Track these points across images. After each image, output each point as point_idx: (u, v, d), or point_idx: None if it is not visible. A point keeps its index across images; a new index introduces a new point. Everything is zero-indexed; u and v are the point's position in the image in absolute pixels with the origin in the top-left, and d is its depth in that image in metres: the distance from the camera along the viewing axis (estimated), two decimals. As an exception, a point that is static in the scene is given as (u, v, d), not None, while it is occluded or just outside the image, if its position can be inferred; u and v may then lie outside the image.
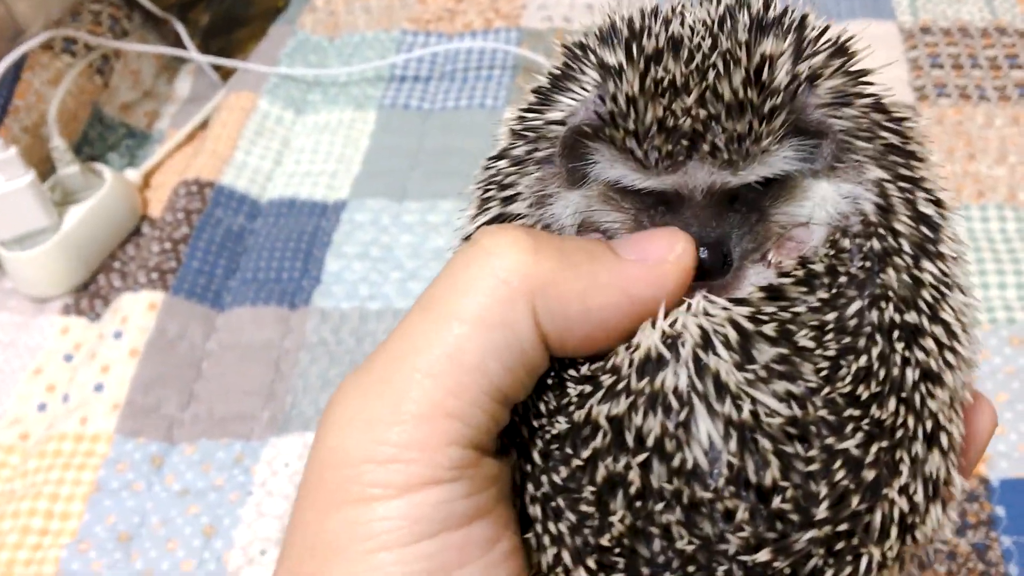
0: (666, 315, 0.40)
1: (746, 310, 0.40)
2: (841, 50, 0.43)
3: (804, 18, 0.43)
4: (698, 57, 0.40)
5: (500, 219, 0.45)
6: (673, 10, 0.42)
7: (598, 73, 0.42)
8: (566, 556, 0.40)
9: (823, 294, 0.40)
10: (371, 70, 1.35)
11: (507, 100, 1.30)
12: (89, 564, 0.91)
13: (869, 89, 0.43)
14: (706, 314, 0.40)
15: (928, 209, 0.43)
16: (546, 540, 0.41)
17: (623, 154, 0.42)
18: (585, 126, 0.42)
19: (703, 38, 0.40)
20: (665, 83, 0.39)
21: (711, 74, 0.39)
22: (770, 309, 0.40)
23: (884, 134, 0.43)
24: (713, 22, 0.41)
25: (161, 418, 1.01)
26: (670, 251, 0.40)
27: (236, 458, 0.97)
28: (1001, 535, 0.85)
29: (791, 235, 0.43)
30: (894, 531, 0.39)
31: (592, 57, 0.43)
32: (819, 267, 0.41)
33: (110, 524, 0.94)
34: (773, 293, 0.41)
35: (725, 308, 0.40)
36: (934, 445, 0.40)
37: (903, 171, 0.43)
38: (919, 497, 0.40)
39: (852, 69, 0.43)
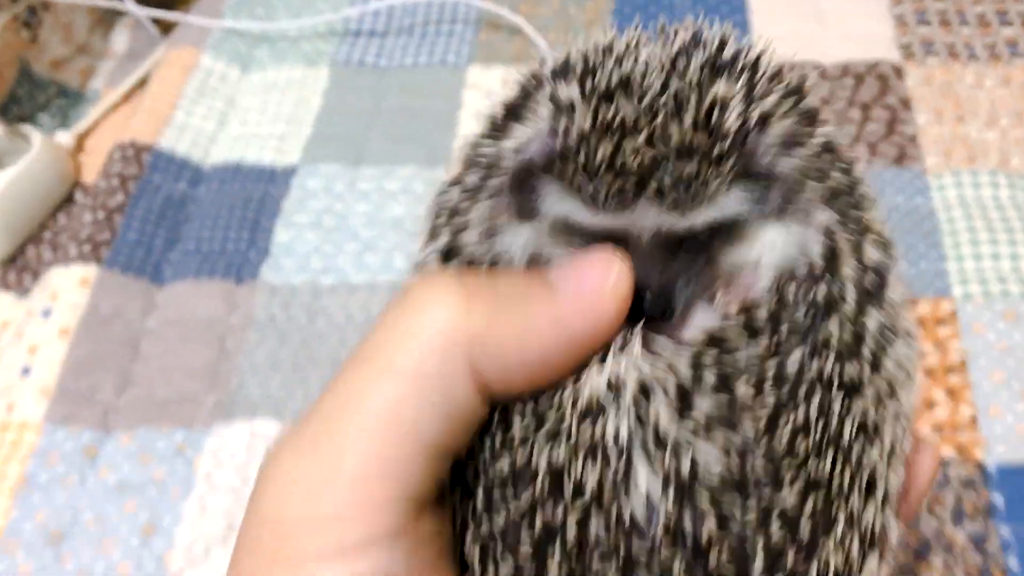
0: (610, 354, 0.40)
1: (687, 356, 0.40)
2: (794, 91, 0.43)
3: (758, 58, 0.43)
4: (648, 97, 0.39)
5: (450, 248, 0.45)
6: (627, 47, 0.42)
7: (552, 107, 0.41)
8: None
9: (765, 342, 0.40)
10: (323, 24, 1.26)
11: (470, 57, 1.22)
12: (16, 567, 0.83)
13: (820, 130, 0.43)
14: (648, 356, 0.40)
15: (875, 254, 0.43)
16: None
17: (573, 190, 0.41)
18: (536, 161, 0.42)
19: (655, 78, 0.40)
20: (616, 122, 0.39)
21: (661, 115, 0.39)
22: (711, 356, 0.40)
23: (834, 176, 0.43)
24: (667, 61, 0.41)
25: (95, 404, 0.93)
26: (605, 279, 0.40)
27: (178, 448, 0.89)
28: (999, 525, 0.80)
29: (739, 277, 0.43)
30: None
31: (546, 89, 0.42)
32: (763, 315, 0.41)
33: (39, 522, 0.86)
34: (715, 339, 0.40)
35: (663, 352, 0.40)
36: (870, 498, 0.41)
37: (852, 214, 0.43)
38: (855, 550, 0.40)
39: (804, 109, 0.43)
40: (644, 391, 0.39)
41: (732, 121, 0.39)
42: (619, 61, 0.40)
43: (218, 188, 1.10)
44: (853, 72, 1.15)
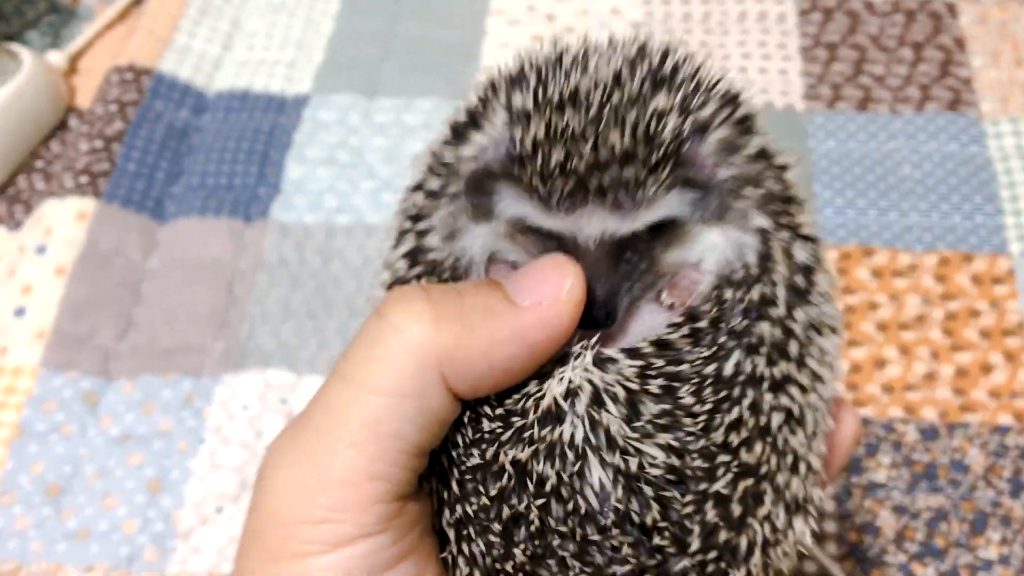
0: (568, 366, 0.45)
1: (637, 365, 0.44)
2: (731, 100, 0.46)
3: (698, 70, 0.46)
4: (595, 109, 0.43)
5: (416, 252, 0.49)
6: (575, 59, 0.45)
7: (507, 116, 0.45)
8: (477, 574, 0.46)
9: (705, 350, 0.45)
10: (334, -59, 1.17)
11: (492, -18, 1.13)
12: (13, 521, 0.78)
13: (755, 138, 0.46)
14: (601, 367, 0.44)
15: (803, 255, 0.47)
16: (460, 560, 0.46)
17: (528, 192, 0.45)
18: (493, 165, 0.45)
19: (601, 90, 0.43)
20: (567, 132, 0.43)
21: (604, 125, 0.43)
22: (659, 363, 0.44)
23: (767, 182, 0.46)
24: (612, 75, 0.44)
25: (94, 349, 0.87)
26: (560, 289, 0.43)
27: (185, 398, 0.84)
28: (1060, 499, 0.76)
29: (683, 276, 0.47)
30: (757, 551, 0.45)
31: (502, 98, 0.46)
32: (704, 323, 0.45)
33: (36, 474, 0.80)
34: (662, 346, 0.45)
35: (615, 361, 0.44)
36: (794, 474, 0.46)
37: (783, 219, 0.47)
38: (780, 521, 0.45)
39: (740, 117, 0.46)
40: (597, 399, 0.44)
41: (668, 131, 0.43)
42: (568, 74, 0.44)
43: (223, 117, 1.03)
44: (904, 8, 1.07)
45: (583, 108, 0.43)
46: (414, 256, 0.49)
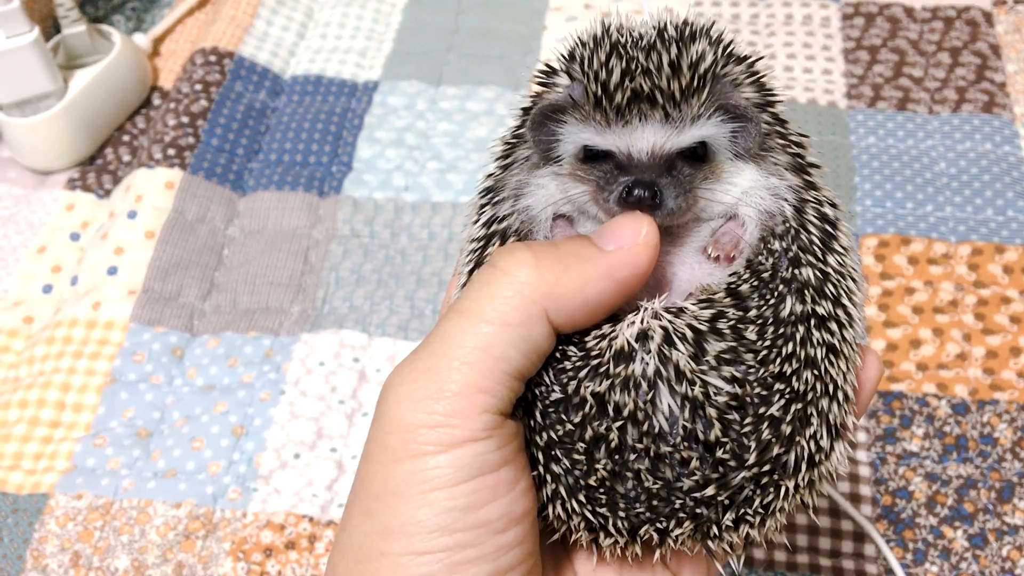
0: (640, 313, 0.51)
1: (711, 312, 0.51)
2: (754, 71, 0.54)
3: (730, 42, 0.54)
4: (645, 44, 0.51)
5: (492, 219, 0.56)
6: (621, 26, 0.53)
7: (568, 73, 0.53)
8: (563, 491, 0.52)
9: (769, 296, 0.51)
10: (402, -61, 1.24)
11: (551, -19, 1.20)
12: (106, 461, 0.84)
13: (777, 103, 0.54)
14: (672, 315, 0.51)
15: (828, 210, 0.54)
16: (548, 478, 0.53)
17: (589, 115, 0.51)
18: (558, 100, 0.52)
19: (649, 37, 0.51)
20: (624, 58, 0.50)
21: (654, 53, 0.50)
22: (730, 310, 0.51)
23: (791, 139, 0.54)
24: (657, 30, 0.52)
25: (181, 307, 0.93)
26: (638, 234, 0.50)
27: (266, 353, 0.90)
28: (1082, 470, 0.81)
29: (724, 231, 0.53)
30: (804, 466, 0.52)
31: (563, 69, 0.53)
32: (767, 274, 0.52)
33: (127, 419, 0.87)
34: (735, 296, 0.52)
35: (685, 310, 0.51)
36: (834, 400, 0.52)
37: (807, 178, 0.54)
38: (824, 441, 0.52)
39: (763, 84, 0.54)
40: (668, 340, 0.50)
41: (707, 64, 0.51)
42: (619, 31, 0.52)
43: (299, 100, 1.10)
44: (942, 15, 1.13)
45: (637, 44, 0.51)
46: (489, 224, 0.56)
